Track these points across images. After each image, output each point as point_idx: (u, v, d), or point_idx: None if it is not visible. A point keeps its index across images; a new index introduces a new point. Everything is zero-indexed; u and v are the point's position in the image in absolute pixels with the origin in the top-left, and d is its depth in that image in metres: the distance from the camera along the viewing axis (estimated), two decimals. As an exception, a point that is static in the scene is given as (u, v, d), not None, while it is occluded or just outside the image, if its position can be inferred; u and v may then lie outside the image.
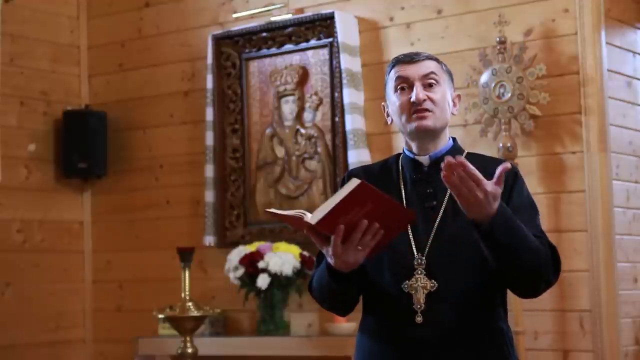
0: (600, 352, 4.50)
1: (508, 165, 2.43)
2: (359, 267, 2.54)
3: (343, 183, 2.77)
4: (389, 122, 2.75)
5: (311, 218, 2.43)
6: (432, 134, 2.67)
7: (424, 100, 2.63)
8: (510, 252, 2.48)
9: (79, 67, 6.11)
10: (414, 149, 2.71)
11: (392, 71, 2.71)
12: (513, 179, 2.65)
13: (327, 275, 2.58)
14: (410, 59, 2.69)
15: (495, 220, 2.42)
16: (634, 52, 5.03)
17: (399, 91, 2.68)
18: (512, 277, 2.58)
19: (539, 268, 2.54)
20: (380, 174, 2.76)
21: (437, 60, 2.73)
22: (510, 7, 4.78)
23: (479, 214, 2.42)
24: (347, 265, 2.51)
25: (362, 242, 2.46)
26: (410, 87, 2.66)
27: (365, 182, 2.37)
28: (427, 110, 2.64)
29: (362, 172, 2.79)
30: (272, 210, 2.58)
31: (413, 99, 2.63)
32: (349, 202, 2.37)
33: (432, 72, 2.67)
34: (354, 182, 2.35)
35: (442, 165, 2.37)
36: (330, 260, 2.52)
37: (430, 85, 2.66)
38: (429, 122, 2.64)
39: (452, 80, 2.75)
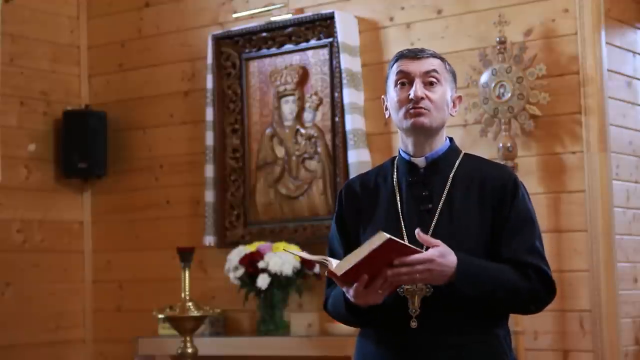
0: (600, 352, 4.50)
1: (419, 232, 2.46)
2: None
3: (341, 197, 2.76)
4: (387, 116, 2.74)
5: (336, 268, 2.44)
6: (427, 132, 2.65)
7: (422, 98, 2.61)
8: (484, 298, 2.52)
9: (79, 67, 6.11)
10: (410, 147, 2.69)
11: (395, 65, 2.69)
12: (513, 189, 2.62)
13: (344, 308, 2.59)
14: (414, 54, 2.67)
15: (457, 279, 2.46)
16: (634, 52, 5.03)
17: (399, 86, 2.66)
18: (500, 311, 2.62)
19: (522, 300, 2.57)
20: (376, 182, 2.74)
21: (441, 58, 2.70)
22: (510, 7, 4.78)
23: (441, 280, 2.46)
24: (367, 304, 2.52)
25: (384, 287, 2.47)
26: (411, 83, 2.64)
27: (392, 237, 2.36)
28: (423, 108, 2.62)
29: (359, 183, 2.76)
30: (295, 252, 2.63)
31: (411, 95, 2.62)
32: (375, 255, 2.38)
33: (434, 70, 2.65)
34: (382, 238, 2.35)
35: (387, 278, 2.42)
36: (350, 299, 2.52)
37: (431, 83, 2.64)
38: (424, 120, 2.62)
39: (455, 80, 2.73)
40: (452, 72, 2.73)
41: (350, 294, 2.50)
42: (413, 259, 2.41)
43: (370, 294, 2.47)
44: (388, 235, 2.35)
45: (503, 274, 2.53)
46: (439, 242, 2.47)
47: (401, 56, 2.69)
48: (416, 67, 2.65)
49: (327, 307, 2.75)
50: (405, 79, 2.65)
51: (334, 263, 2.47)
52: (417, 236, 2.47)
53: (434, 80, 2.65)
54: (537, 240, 2.62)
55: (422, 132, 2.65)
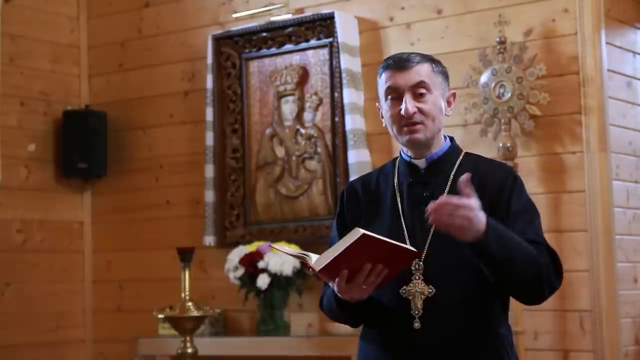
0: (600, 352, 4.50)
1: (468, 176, 2.42)
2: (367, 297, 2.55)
3: (342, 198, 2.77)
4: (383, 124, 2.72)
5: (315, 263, 2.48)
6: (424, 144, 2.65)
7: (414, 113, 2.60)
8: (506, 264, 2.46)
9: (79, 67, 6.11)
10: (409, 152, 2.70)
11: (383, 76, 2.66)
12: (512, 183, 2.62)
13: (335, 303, 2.60)
14: (400, 66, 2.63)
15: (487, 236, 2.41)
16: (634, 52, 5.03)
17: (389, 100, 2.64)
18: (514, 288, 2.57)
19: (538, 276, 2.51)
20: (377, 183, 2.74)
21: (430, 61, 2.66)
22: (510, 7, 4.78)
23: (472, 233, 2.41)
24: (354, 299, 2.53)
25: (367, 282, 2.48)
26: (400, 97, 2.61)
27: (367, 233, 2.38)
28: (417, 123, 2.60)
29: (360, 184, 2.77)
30: (277, 247, 2.66)
31: (402, 112, 2.60)
32: (352, 250, 2.40)
33: (422, 81, 2.61)
34: (357, 233, 2.38)
35: (427, 215, 2.38)
36: (338, 294, 2.54)
37: (421, 94, 2.62)
38: (419, 136, 2.62)
39: (447, 79, 2.70)
40: (443, 72, 2.69)
41: (335, 289, 2.52)
42: (458, 202, 2.36)
43: (354, 289, 2.48)
44: (362, 231, 2.37)
45: (524, 242, 2.50)
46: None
47: (387, 67, 2.65)
48: (404, 80, 2.61)
49: (322, 305, 2.76)
50: (395, 94, 2.63)
51: (313, 258, 2.50)
52: (460, 184, 2.41)
53: (423, 91, 2.62)
54: (540, 228, 2.62)
55: (419, 146, 2.66)
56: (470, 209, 2.38)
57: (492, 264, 2.46)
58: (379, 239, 2.41)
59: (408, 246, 2.51)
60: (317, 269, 2.46)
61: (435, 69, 2.66)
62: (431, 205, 2.38)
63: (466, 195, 2.39)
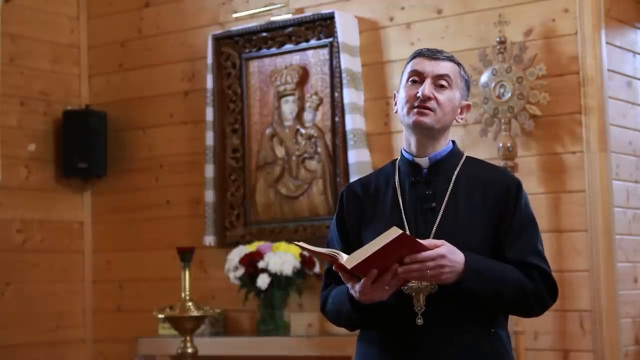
0: (600, 352, 4.50)
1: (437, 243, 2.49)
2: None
3: (342, 199, 2.77)
4: (394, 111, 2.76)
5: (347, 261, 2.45)
6: (429, 132, 2.66)
7: (429, 98, 2.62)
8: (491, 299, 2.54)
9: (79, 67, 6.11)
10: (413, 146, 2.69)
11: (411, 62, 2.70)
12: (516, 193, 2.65)
13: (349, 306, 2.58)
14: (431, 54, 2.69)
15: (466, 275, 2.48)
16: (634, 52, 5.03)
17: (410, 83, 2.67)
18: (504, 312, 2.65)
19: (526, 301, 2.59)
20: (377, 184, 2.74)
21: (458, 64, 2.71)
22: (510, 7, 4.78)
23: (452, 276, 2.48)
24: (372, 301, 2.52)
25: (391, 283, 2.47)
26: (422, 81, 2.65)
27: (405, 233, 2.40)
28: (428, 108, 2.63)
29: (360, 185, 2.77)
30: (302, 244, 2.58)
31: (419, 94, 2.63)
32: (387, 249, 2.39)
33: (446, 75, 2.66)
34: (395, 232, 2.37)
35: (399, 274, 2.44)
36: (355, 295, 2.52)
37: (442, 86, 2.65)
38: (426, 120, 2.63)
39: (467, 88, 2.74)
40: (466, 80, 2.74)
41: (356, 289, 2.50)
42: (425, 256, 2.43)
43: (377, 290, 2.47)
44: (401, 231, 2.37)
45: (509, 273, 2.56)
46: (443, 241, 2.49)
47: (419, 54, 2.71)
48: (430, 67, 2.66)
49: (326, 309, 2.74)
50: (417, 77, 2.67)
51: (344, 257, 2.47)
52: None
53: (444, 84, 2.66)
54: (539, 243, 2.65)
55: (423, 131, 2.66)
56: (440, 257, 2.45)
57: (477, 300, 2.53)
58: (415, 240, 2.43)
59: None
60: (350, 267, 2.43)
61: (461, 72, 2.72)
62: (398, 270, 2.43)
63: (432, 246, 2.46)
